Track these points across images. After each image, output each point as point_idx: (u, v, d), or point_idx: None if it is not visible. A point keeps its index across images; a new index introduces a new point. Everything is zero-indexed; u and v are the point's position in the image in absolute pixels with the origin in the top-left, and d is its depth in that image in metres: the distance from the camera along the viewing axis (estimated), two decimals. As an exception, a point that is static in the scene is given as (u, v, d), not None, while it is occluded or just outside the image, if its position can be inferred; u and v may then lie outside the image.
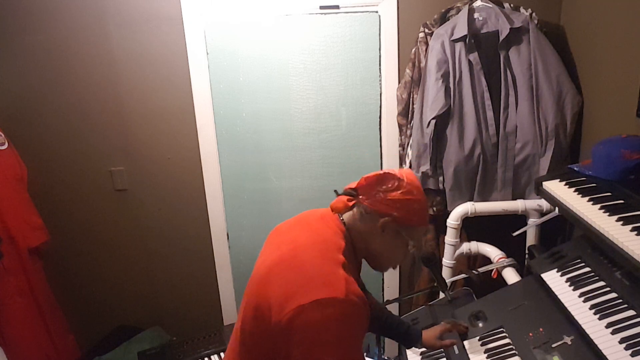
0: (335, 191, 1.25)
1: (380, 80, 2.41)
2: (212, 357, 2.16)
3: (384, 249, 1.20)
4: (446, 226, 2.16)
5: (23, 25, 2.24)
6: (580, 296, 1.33)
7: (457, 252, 2.17)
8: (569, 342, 1.26)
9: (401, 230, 1.16)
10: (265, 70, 2.39)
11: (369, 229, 1.17)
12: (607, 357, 1.12)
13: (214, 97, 2.41)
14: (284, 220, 1.30)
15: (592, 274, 1.39)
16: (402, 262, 1.27)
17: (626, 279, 1.28)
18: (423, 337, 1.51)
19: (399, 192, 1.14)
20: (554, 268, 1.50)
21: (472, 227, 2.26)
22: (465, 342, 1.51)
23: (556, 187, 1.57)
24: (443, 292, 1.79)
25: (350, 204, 1.19)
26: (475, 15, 2.12)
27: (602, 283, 1.33)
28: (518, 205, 2.11)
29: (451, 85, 2.11)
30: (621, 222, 1.26)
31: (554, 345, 1.28)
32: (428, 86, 2.14)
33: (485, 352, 1.43)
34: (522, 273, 1.93)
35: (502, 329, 1.48)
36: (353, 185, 1.21)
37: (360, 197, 1.17)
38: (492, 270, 1.95)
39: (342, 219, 1.20)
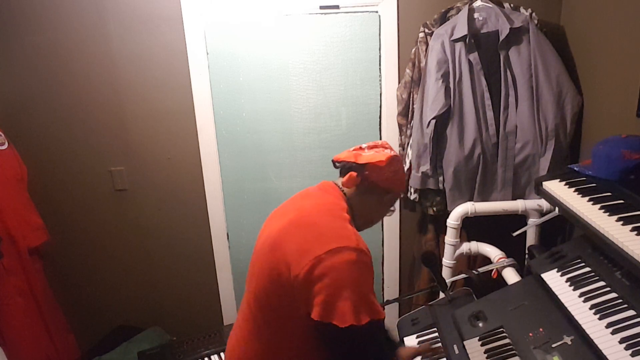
0: (334, 162, 1.36)
1: (380, 80, 2.41)
2: (212, 357, 2.16)
3: (377, 215, 1.39)
4: (446, 226, 2.16)
5: (23, 26, 2.24)
6: (580, 296, 1.33)
7: (457, 252, 2.17)
8: (569, 342, 1.26)
9: (393, 199, 1.38)
10: (265, 70, 2.39)
11: (371, 201, 1.32)
12: (607, 357, 1.12)
13: (214, 98, 2.41)
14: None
15: (592, 274, 1.39)
16: None
17: (626, 279, 1.28)
18: (400, 351, 1.45)
19: (402, 171, 1.36)
20: (554, 268, 1.50)
21: (472, 227, 2.26)
22: (465, 342, 1.51)
23: (556, 187, 1.57)
24: (443, 292, 1.79)
25: (359, 180, 1.30)
26: (475, 15, 2.12)
27: (602, 283, 1.33)
28: (518, 205, 2.11)
29: (451, 85, 2.11)
30: (621, 222, 1.26)
31: (554, 345, 1.28)
32: (428, 86, 2.14)
33: (485, 352, 1.43)
34: (522, 273, 1.93)
35: (502, 329, 1.47)
36: (351, 158, 1.31)
37: (367, 172, 1.29)
38: (492, 270, 1.95)
39: (342, 189, 1.32)
